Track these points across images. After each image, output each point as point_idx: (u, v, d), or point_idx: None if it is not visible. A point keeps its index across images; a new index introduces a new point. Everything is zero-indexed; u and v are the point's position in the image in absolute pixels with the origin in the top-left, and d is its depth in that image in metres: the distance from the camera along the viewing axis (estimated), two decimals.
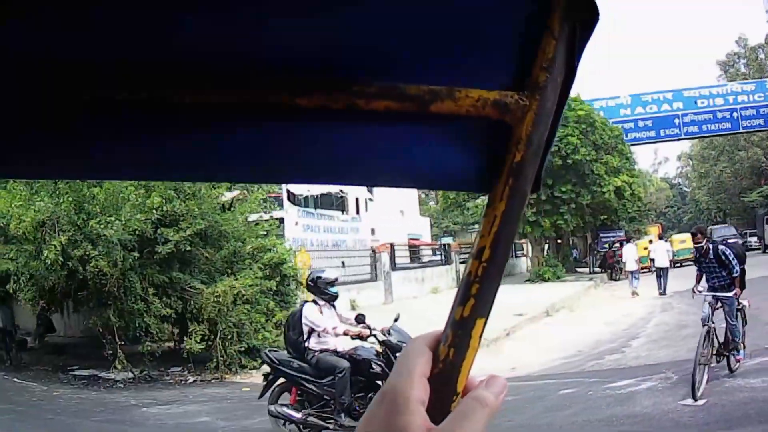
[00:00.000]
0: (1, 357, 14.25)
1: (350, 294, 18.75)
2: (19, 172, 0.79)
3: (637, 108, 35.49)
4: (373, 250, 21.11)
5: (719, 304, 8.46)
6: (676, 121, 35.23)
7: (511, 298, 20.37)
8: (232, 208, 14.88)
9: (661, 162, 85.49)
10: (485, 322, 0.55)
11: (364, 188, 21.33)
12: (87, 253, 11.48)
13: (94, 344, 13.00)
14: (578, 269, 36.51)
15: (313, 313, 7.01)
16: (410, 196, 35.27)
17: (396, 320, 7.11)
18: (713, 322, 8.16)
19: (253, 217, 15.04)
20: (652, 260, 23.84)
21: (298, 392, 7.10)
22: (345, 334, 6.84)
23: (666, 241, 26.34)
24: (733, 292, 8.42)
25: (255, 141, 0.59)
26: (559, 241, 34.27)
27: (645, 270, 34.50)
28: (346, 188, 20.46)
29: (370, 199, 21.42)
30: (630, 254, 23.64)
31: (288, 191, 17.12)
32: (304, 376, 6.90)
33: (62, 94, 0.52)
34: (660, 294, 21.76)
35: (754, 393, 7.63)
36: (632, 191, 31.00)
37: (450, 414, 0.53)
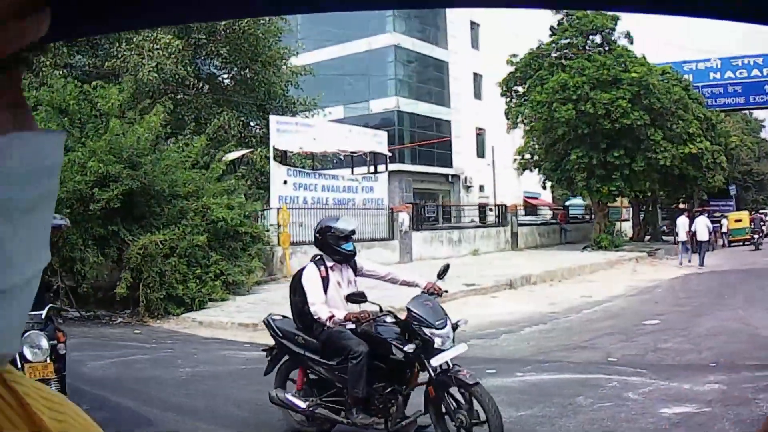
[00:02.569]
0: None
1: None
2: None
3: (727, 72, 29.66)
4: (391, 210, 19.75)
5: None
6: (767, 87, 28.95)
7: (509, 265, 18.17)
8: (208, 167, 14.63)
9: None
10: None
11: (384, 146, 19.79)
12: None
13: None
14: (666, 237, 32.06)
15: (310, 280, 4.73)
16: None
17: (441, 275, 4.87)
18: None
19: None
20: (694, 234, 20.81)
21: (306, 374, 5.04)
22: (347, 320, 4.57)
23: (708, 216, 23.27)
24: None
25: None
26: (643, 207, 30.06)
27: (738, 242, 29.58)
28: (363, 146, 19.07)
29: (391, 158, 19.81)
30: (682, 226, 21.53)
31: (274, 149, 16.31)
32: (310, 355, 4.82)
33: None
34: (698, 266, 20.20)
35: None
36: (714, 159, 26.04)
37: None
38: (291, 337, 4.90)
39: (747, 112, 42.60)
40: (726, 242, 30.38)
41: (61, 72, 15.98)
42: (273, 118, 16.72)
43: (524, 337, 10.00)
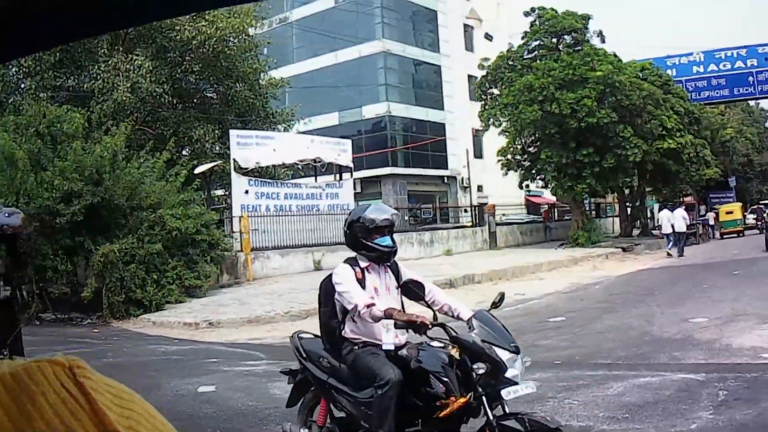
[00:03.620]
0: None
1: (316, 256, 18.72)
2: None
3: (710, 65, 29.55)
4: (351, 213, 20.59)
5: None
6: (750, 79, 28.87)
7: (469, 265, 18.83)
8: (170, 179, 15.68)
9: None
10: None
11: (348, 155, 20.70)
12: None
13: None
14: (656, 231, 32.09)
15: (344, 279, 3.64)
16: None
17: (496, 303, 3.90)
18: None
19: None
20: (673, 225, 21.46)
21: (330, 408, 3.96)
22: (388, 316, 3.42)
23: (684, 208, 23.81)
24: None
25: None
26: (628, 203, 30.15)
27: (731, 234, 29.52)
28: (323, 155, 20.00)
29: (349, 167, 20.69)
30: (664, 218, 22.24)
31: (235, 161, 17.38)
32: (334, 383, 3.79)
33: None
34: (678, 256, 21.07)
35: None
36: (697, 153, 26.10)
37: None
38: (315, 359, 3.90)
39: (753, 102, 41.98)
40: (717, 234, 30.32)
41: (46, 94, 17.41)
42: (233, 133, 17.84)
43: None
